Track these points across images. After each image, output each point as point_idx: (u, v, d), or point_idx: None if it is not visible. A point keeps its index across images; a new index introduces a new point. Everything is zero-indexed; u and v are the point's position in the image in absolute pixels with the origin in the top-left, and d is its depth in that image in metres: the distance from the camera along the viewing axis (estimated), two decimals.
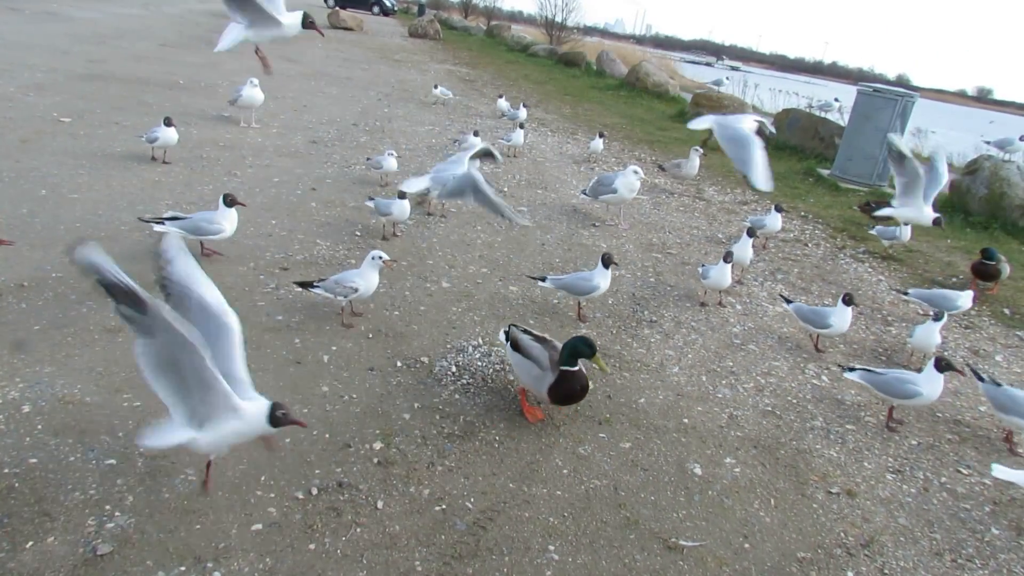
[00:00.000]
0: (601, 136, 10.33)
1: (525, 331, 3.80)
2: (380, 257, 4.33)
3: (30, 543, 2.49)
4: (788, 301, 5.12)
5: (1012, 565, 3.11)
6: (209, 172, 7.03)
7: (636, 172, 6.94)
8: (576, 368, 3.45)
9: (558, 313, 5.04)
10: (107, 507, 2.70)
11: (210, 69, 13.10)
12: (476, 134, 8.94)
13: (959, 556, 3.13)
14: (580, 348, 3.42)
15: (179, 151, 7.47)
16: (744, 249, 5.90)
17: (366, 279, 4.33)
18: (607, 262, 4.82)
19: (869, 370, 4.11)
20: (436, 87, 13.30)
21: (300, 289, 4.44)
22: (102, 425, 3.15)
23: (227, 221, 4.86)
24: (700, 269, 5.60)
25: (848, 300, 4.75)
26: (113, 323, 3.98)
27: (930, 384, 3.91)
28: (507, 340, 3.82)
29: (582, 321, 5.01)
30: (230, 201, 4.87)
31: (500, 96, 13.29)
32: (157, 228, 4.68)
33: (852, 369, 4.20)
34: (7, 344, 3.64)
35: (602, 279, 4.83)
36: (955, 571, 3.04)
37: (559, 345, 3.57)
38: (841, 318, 4.76)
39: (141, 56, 13.35)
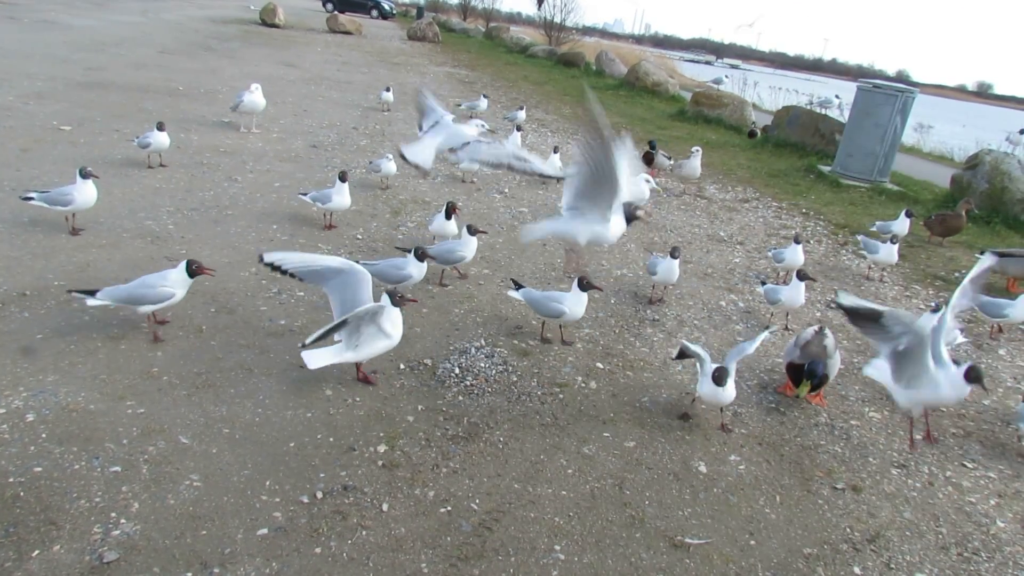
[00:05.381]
0: None
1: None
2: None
3: (36, 552, 2.50)
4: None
5: (1018, 558, 3.10)
6: (210, 178, 7.05)
7: (649, 181, 6.87)
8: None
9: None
10: (113, 514, 2.71)
11: (209, 75, 13.14)
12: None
13: (965, 549, 3.13)
14: (812, 371, 3.87)
15: (180, 157, 7.49)
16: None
17: (469, 247, 5.09)
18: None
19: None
20: (387, 90, 12.17)
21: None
22: (106, 432, 3.15)
23: (340, 196, 5.97)
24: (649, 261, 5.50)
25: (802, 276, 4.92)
26: (116, 331, 4.00)
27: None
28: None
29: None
30: (343, 176, 5.93)
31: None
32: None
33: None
34: (10, 353, 3.65)
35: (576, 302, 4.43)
36: (961, 564, 3.04)
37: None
38: (795, 293, 4.92)
39: (140, 63, 13.38)
